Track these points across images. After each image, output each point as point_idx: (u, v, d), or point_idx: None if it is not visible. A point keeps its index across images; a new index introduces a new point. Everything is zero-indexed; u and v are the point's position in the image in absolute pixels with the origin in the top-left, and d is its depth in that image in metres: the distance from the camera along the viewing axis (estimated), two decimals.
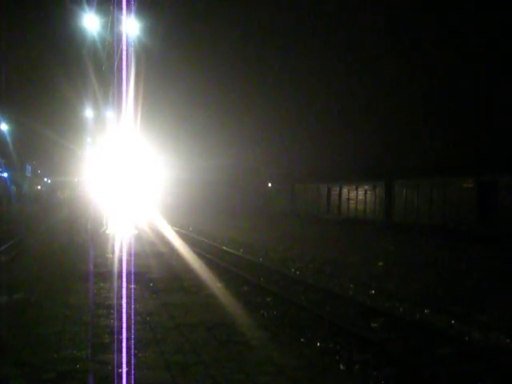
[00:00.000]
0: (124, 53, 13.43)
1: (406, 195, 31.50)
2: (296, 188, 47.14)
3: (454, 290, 12.10)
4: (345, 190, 38.30)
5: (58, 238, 21.61)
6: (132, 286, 10.91)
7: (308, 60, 64.35)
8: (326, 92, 55.10)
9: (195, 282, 11.99)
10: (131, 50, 15.22)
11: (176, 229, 27.53)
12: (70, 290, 10.43)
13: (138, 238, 22.07)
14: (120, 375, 5.65)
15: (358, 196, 36.49)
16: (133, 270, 12.36)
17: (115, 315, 8.32)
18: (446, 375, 6.64)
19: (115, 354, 6.32)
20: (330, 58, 60.77)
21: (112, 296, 9.86)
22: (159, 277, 12.61)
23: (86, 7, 19.60)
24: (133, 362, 6.01)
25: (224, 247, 20.13)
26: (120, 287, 10.61)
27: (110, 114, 28.17)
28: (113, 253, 16.65)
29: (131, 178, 20.14)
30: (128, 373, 5.69)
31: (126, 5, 14.21)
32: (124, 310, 8.52)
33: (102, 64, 23.86)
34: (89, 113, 34.99)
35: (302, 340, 7.95)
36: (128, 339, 6.79)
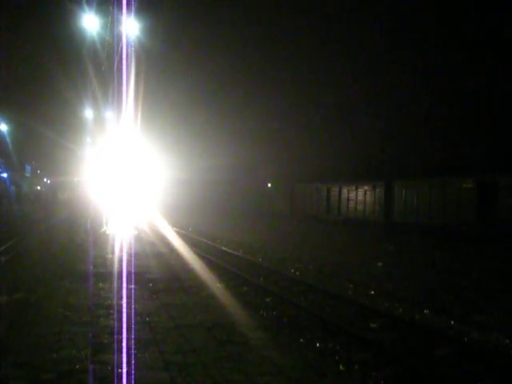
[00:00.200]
0: (124, 53, 13.45)
1: (405, 195, 31.49)
2: (295, 188, 47.13)
3: (453, 291, 12.11)
4: (344, 191, 38.28)
5: (58, 239, 21.60)
6: (132, 286, 10.91)
7: (308, 60, 64.34)
8: (326, 92, 55.10)
9: (195, 283, 12.00)
10: (131, 50, 15.22)
11: (176, 229, 27.53)
12: (70, 290, 10.44)
13: (138, 239, 22.08)
14: (120, 375, 5.66)
15: (357, 196, 36.47)
16: (132, 271, 12.37)
17: (115, 315, 8.32)
18: (446, 375, 6.65)
19: (115, 354, 6.32)
20: (330, 58, 60.79)
21: (112, 296, 9.87)
22: (159, 277, 12.62)
23: (85, 7, 19.62)
24: (132, 362, 6.01)
25: (224, 247, 20.14)
26: (120, 287, 10.62)
27: (109, 114, 28.18)
28: (112, 253, 16.65)
29: (131, 178, 20.14)
30: (127, 373, 5.69)
31: (126, 5, 14.21)
32: (123, 311, 8.53)
33: (102, 64, 23.87)
34: (89, 113, 35.04)
35: (302, 340, 7.96)
36: (127, 339, 6.80)
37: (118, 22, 17.56)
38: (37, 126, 55.75)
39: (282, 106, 60.37)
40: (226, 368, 6.01)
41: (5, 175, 56.05)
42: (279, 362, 6.33)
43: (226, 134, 56.60)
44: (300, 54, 64.96)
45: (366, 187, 35.58)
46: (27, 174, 72.92)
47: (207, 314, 8.71)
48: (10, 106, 52.82)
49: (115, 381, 5.53)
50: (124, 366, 5.89)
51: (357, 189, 36.62)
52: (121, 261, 14.69)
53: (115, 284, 11.08)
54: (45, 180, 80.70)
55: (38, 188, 79.88)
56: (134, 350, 6.48)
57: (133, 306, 8.97)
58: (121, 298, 9.59)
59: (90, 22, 20.27)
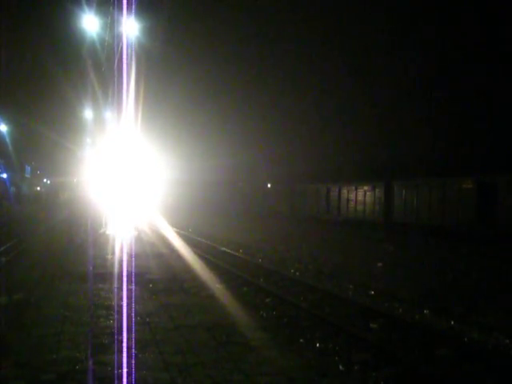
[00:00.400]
0: (124, 53, 13.43)
1: (405, 196, 31.51)
2: (295, 189, 47.15)
3: (453, 291, 12.11)
4: (344, 191, 38.30)
5: (58, 239, 21.60)
6: (132, 286, 10.91)
7: (308, 60, 64.34)
8: (325, 92, 55.07)
9: (195, 283, 12.00)
10: (131, 50, 15.22)
11: (176, 229, 27.54)
12: (70, 291, 10.44)
13: (138, 239, 22.08)
14: (119, 376, 5.66)
15: (357, 197, 36.49)
16: (132, 271, 12.35)
17: (115, 316, 8.32)
18: (446, 375, 6.65)
19: (115, 354, 6.32)
20: (330, 58, 60.75)
21: (111, 297, 9.87)
22: (159, 277, 12.62)
23: (85, 8, 19.62)
24: (132, 362, 6.01)
25: (223, 248, 20.13)
26: (120, 288, 10.62)
27: (109, 114, 28.18)
28: (112, 253, 16.65)
29: (131, 178, 20.14)
30: (127, 373, 5.69)
31: (126, 5, 14.20)
32: (123, 311, 8.53)
33: (102, 65, 23.87)
34: (88, 113, 35.00)
35: (302, 341, 7.96)
36: (127, 340, 6.80)
37: (118, 22, 17.56)
38: (36, 126, 55.78)
39: (281, 106, 60.39)
40: (226, 368, 6.01)
41: (4, 176, 56.06)
42: (279, 362, 6.33)
43: (226, 134, 56.64)
44: (301, 54, 64.97)
45: (365, 187, 35.59)
46: (27, 175, 72.90)
47: (207, 315, 8.71)
48: (10, 107, 52.82)
49: (115, 381, 5.53)
50: (124, 366, 5.89)
51: (356, 189, 36.64)
52: (121, 261, 14.69)
53: (115, 284, 11.08)
54: (44, 180, 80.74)
55: (38, 189, 79.88)
56: (134, 350, 6.48)
57: (133, 306, 8.97)
58: (121, 298, 9.59)
59: (89, 23, 20.28)
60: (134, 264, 13.67)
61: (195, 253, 17.65)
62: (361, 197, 35.99)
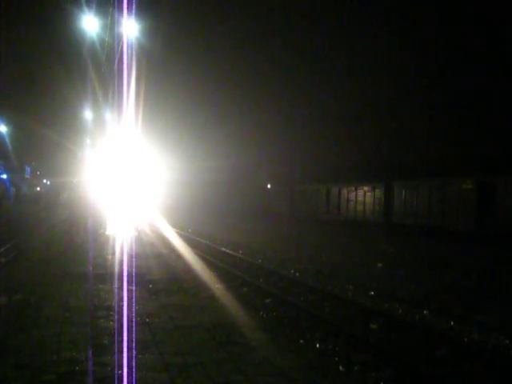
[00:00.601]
0: (124, 54, 13.45)
1: (405, 196, 31.52)
2: (295, 189, 47.17)
3: (453, 291, 12.12)
4: (344, 191, 38.31)
5: (58, 239, 21.61)
6: (132, 287, 10.90)
7: (308, 60, 64.36)
8: (325, 92, 55.08)
9: (194, 284, 12.00)
10: (131, 51, 15.23)
11: (176, 230, 27.53)
12: (70, 291, 10.44)
13: (138, 239, 22.07)
14: (120, 376, 5.66)
15: (357, 197, 36.50)
16: (132, 271, 12.35)
17: (114, 317, 8.32)
18: (446, 376, 6.65)
19: (114, 355, 6.32)
20: (330, 58, 60.77)
21: (111, 297, 9.87)
22: (159, 278, 12.62)
23: (85, 9, 19.63)
24: (132, 363, 6.01)
25: (223, 248, 20.14)
26: (119, 288, 10.62)
27: (110, 115, 28.18)
28: (113, 254, 16.65)
29: (131, 179, 20.15)
30: (127, 374, 5.69)
31: (126, 6, 14.20)
32: (123, 312, 8.52)
33: (102, 65, 23.88)
34: (89, 114, 35.02)
35: (302, 341, 7.96)
36: (127, 341, 6.80)
37: (118, 23, 17.56)
38: (36, 127, 55.74)
39: (281, 107, 60.39)
40: (226, 369, 6.01)
41: (4, 176, 56.06)
42: (279, 362, 6.33)
43: (226, 134, 56.59)
44: (301, 55, 64.92)
45: (365, 188, 35.60)
46: (27, 176, 72.91)
47: (207, 315, 8.71)
48: (10, 107, 52.82)
49: (115, 382, 5.53)
50: (124, 367, 5.89)
51: (356, 189, 36.66)
52: (121, 262, 14.69)
53: (115, 285, 11.08)
54: (44, 181, 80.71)
55: (38, 189, 79.89)
56: (134, 351, 6.48)
57: (132, 307, 8.97)
58: (121, 299, 9.58)
59: (89, 24, 20.29)
60: (133, 264, 13.67)
61: (195, 253, 17.65)
62: (361, 197, 36.00)
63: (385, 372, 6.70)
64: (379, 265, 16.18)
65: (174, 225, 30.34)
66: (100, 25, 20.41)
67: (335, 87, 54.32)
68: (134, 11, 14.73)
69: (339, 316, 9.56)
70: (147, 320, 8.25)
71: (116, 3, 17.06)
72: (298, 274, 14.52)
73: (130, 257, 15.44)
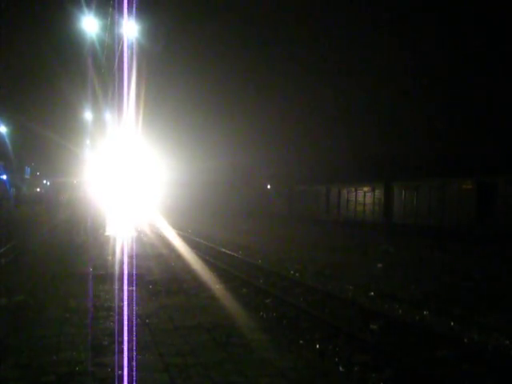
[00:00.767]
0: (124, 55, 13.46)
1: (405, 196, 31.52)
2: (295, 189, 47.16)
3: (453, 291, 12.12)
4: (344, 192, 38.31)
5: (58, 240, 21.60)
6: (132, 287, 10.90)
7: (307, 61, 64.41)
8: (325, 93, 55.09)
9: (194, 284, 12.00)
10: (131, 51, 15.24)
11: (175, 230, 27.52)
12: (70, 292, 10.43)
13: (138, 240, 22.07)
14: (120, 377, 5.66)
15: (357, 197, 36.51)
16: (132, 272, 12.36)
17: (115, 317, 8.32)
18: (446, 376, 6.65)
19: (114, 356, 6.32)
20: (330, 59, 60.79)
21: (111, 298, 9.87)
22: (158, 278, 12.62)
23: (85, 9, 19.64)
24: (132, 364, 6.01)
25: (223, 249, 20.14)
26: (120, 289, 10.62)
27: (110, 115, 28.19)
28: (113, 254, 16.65)
29: (131, 179, 20.16)
30: (127, 375, 5.70)
31: (126, 7, 14.23)
32: (123, 312, 8.53)
33: (102, 66, 23.89)
34: (89, 114, 35.03)
35: (302, 342, 7.96)
36: (127, 341, 6.80)
37: (118, 24, 17.58)
38: (36, 127, 55.75)
39: (281, 107, 60.40)
40: (226, 369, 6.01)
41: (4, 177, 56.04)
42: (279, 363, 6.33)
43: (225, 135, 56.61)
44: (300, 55, 64.97)
45: (365, 188, 35.61)
46: (27, 176, 72.87)
47: (207, 316, 8.71)
48: (10, 108, 52.82)
49: (115, 382, 5.53)
50: (124, 367, 5.89)
51: (356, 190, 36.66)
52: (121, 262, 14.69)
53: (115, 286, 11.08)
54: (44, 182, 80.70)
55: (38, 190, 79.90)
56: (134, 351, 6.48)
57: (132, 307, 8.97)
58: (121, 299, 9.58)
59: (89, 25, 20.30)
60: (134, 265, 13.68)
61: (195, 254, 17.65)
62: (360, 198, 36.00)
63: (385, 372, 6.70)
64: (379, 265, 16.18)
65: (174, 225, 30.34)
66: (100, 26, 20.44)
67: (335, 87, 54.32)
68: (133, 12, 14.75)
69: (339, 316, 9.56)
70: (147, 321, 8.25)
71: (116, 4, 17.09)
72: (297, 275, 14.52)
73: (130, 257, 15.45)
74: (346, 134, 48.84)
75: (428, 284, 13.07)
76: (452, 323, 9.21)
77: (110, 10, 18.68)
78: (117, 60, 18.92)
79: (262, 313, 9.93)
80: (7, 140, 52.87)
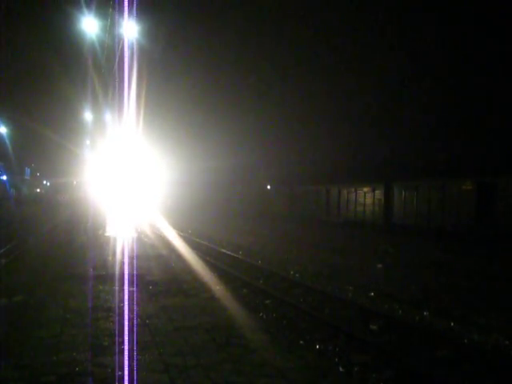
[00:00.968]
0: (124, 55, 13.47)
1: (405, 197, 31.51)
2: (295, 190, 47.15)
3: (453, 292, 12.12)
4: (344, 192, 38.30)
5: (59, 240, 21.61)
6: (132, 288, 10.91)
7: (308, 61, 64.36)
8: (325, 93, 55.11)
9: (194, 285, 12.00)
10: (131, 52, 15.25)
11: (176, 231, 27.52)
12: (70, 293, 10.43)
13: (138, 241, 22.07)
14: (120, 378, 5.67)
15: (357, 198, 36.50)
16: (132, 273, 12.36)
17: (115, 318, 8.32)
18: (446, 376, 6.65)
19: (114, 356, 6.33)
20: (330, 59, 60.76)
21: (111, 298, 9.87)
22: (159, 279, 12.62)
23: (85, 10, 19.66)
24: (132, 364, 6.02)
25: (223, 249, 20.14)
26: (120, 290, 10.63)
27: (110, 115, 28.20)
28: (113, 255, 16.64)
29: (132, 179, 20.16)
30: (127, 375, 5.70)
31: (126, 7, 14.23)
32: (123, 313, 8.53)
33: (102, 66, 23.90)
34: (89, 114, 35.07)
35: (302, 342, 7.97)
36: (127, 342, 6.80)
37: (118, 24, 17.59)
38: (36, 128, 55.80)
39: (281, 107, 60.41)
40: (226, 370, 6.01)
41: (4, 178, 56.06)
42: (279, 364, 6.34)
43: (226, 135, 56.61)
44: (300, 55, 64.97)
45: (365, 189, 35.59)
46: (27, 177, 72.92)
47: (207, 316, 8.71)
48: (10, 108, 52.83)
49: (116, 383, 5.54)
50: (124, 368, 5.90)
51: (356, 190, 36.64)
52: (121, 263, 14.69)
53: (115, 286, 11.09)
54: (44, 182, 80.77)
55: (38, 190, 79.93)
56: (134, 352, 6.48)
57: (133, 308, 8.98)
58: (121, 300, 9.59)
59: (89, 25, 20.32)
60: (133, 265, 13.68)
61: (195, 254, 17.65)
62: (361, 198, 35.99)
63: (385, 373, 6.71)
64: (379, 265, 16.18)
65: (174, 225, 30.34)
66: (100, 26, 20.45)
67: (335, 88, 54.33)
68: (133, 12, 14.76)
69: (339, 317, 9.56)
70: (147, 321, 8.25)
71: (116, 5, 17.10)
72: (297, 275, 14.52)
73: (131, 258, 15.46)
74: (346, 134, 48.86)
75: (428, 284, 13.08)
76: (452, 323, 9.21)
77: (110, 10, 18.68)
78: (117, 60, 18.93)
79: (261, 313, 9.93)
80: (7, 140, 52.91)
